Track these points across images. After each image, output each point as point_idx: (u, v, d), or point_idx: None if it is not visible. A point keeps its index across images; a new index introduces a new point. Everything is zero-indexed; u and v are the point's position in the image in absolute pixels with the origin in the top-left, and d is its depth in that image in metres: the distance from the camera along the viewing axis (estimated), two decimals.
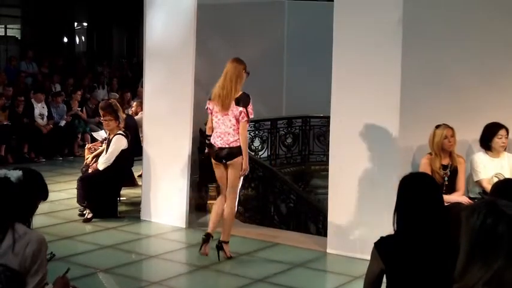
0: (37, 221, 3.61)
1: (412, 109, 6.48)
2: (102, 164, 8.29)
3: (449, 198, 6.19)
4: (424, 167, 6.35)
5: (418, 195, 3.25)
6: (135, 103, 11.69)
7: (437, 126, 6.37)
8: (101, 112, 8.72)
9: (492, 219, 2.14)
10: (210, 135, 6.72)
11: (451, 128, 6.37)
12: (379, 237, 3.33)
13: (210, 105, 6.71)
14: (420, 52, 6.51)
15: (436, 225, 3.21)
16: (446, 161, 6.46)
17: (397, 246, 3.24)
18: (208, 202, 8.76)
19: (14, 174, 3.36)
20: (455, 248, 2.33)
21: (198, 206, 8.78)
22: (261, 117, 10.92)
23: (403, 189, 3.30)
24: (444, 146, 6.37)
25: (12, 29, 21.84)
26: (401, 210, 3.27)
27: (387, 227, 3.41)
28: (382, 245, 3.27)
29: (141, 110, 9.93)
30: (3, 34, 21.42)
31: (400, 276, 3.20)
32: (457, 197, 6.37)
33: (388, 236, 3.30)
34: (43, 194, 3.57)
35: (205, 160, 7.29)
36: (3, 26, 21.28)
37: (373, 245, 3.31)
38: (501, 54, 7.11)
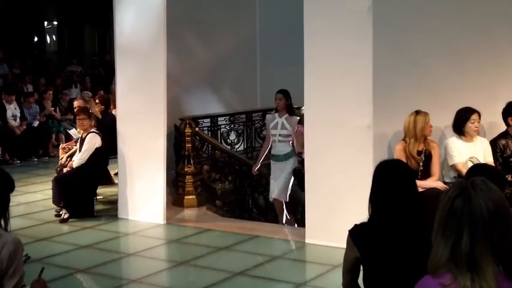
0: (13, 223, 3.55)
1: (384, 96, 6.50)
2: (76, 162, 8.25)
3: (424, 184, 6.24)
4: (399, 153, 6.39)
5: (392, 182, 3.26)
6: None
7: (417, 112, 6.40)
8: (76, 111, 8.68)
9: (460, 199, 2.16)
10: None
11: (428, 114, 6.42)
12: (353, 225, 3.34)
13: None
14: (391, 39, 6.54)
15: (410, 212, 3.23)
16: (421, 147, 6.50)
17: (371, 234, 3.25)
18: (185, 197, 8.74)
19: None
20: (431, 233, 2.35)
21: (174, 201, 8.76)
22: (236, 111, 10.92)
23: (377, 176, 3.31)
24: (425, 131, 6.42)
25: None
26: (375, 198, 3.28)
27: (364, 215, 3.43)
28: (356, 233, 3.28)
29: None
30: None
31: (375, 263, 3.21)
32: (433, 182, 6.41)
33: (362, 224, 3.31)
34: (11, 186, 3.49)
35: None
36: None
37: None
38: (472, 39, 7.17)
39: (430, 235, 2.25)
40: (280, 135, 8.07)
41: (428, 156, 6.54)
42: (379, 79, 6.41)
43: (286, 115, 8.10)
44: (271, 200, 8.33)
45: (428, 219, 3.14)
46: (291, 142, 8.13)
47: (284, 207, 8.21)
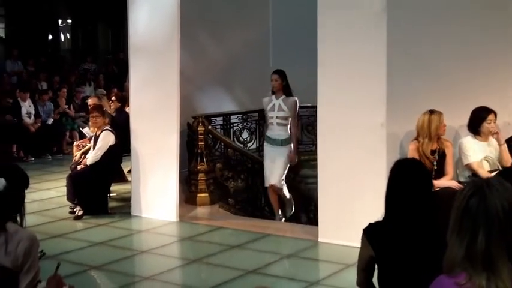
0: (27, 220, 3.58)
1: (398, 96, 6.50)
2: (90, 159, 8.30)
3: (439, 183, 6.23)
4: (413, 153, 6.38)
5: (408, 181, 3.25)
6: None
7: (432, 112, 6.39)
8: (89, 109, 8.74)
9: (475, 198, 2.16)
10: None
11: (442, 114, 6.42)
12: (367, 224, 3.34)
13: None
14: (405, 39, 6.53)
15: (425, 211, 3.22)
16: (434, 146, 6.49)
17: (386, 233, 3.25)
18: (198, 195, 8.76)
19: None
20: (445, 232, 2.35)
21: (187, 199, 8.78)
22: (248, 109, 10.92)
23: (393, 175, 3.31)
24: (439, 131, 6.41)
25: None
26: (390, 197, 3.28)
27: (377, 214, 3.43)
28: (371, 232, 3.28)
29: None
30: None
31: (390, 262, 3.21)
32: (447, 181, 6.40)
33: (377, 222, 3.31)
34: (26, 183, 3.52)
35: None
36: None
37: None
38: (486, 39, 7.15)
39: (445, 234, 2.25)
40: (277, 117, 7.95)
41: (442, 156, 6.53)
42: (392, 80, 6.41)
43: (283, 96, 7.98)
44: (267, 185, 8.23)
45: (443, 219, 3.15)
46: (289, 126, 8.00)
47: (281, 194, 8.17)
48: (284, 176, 8.08)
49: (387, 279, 3.24)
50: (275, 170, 8.00)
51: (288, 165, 8.05)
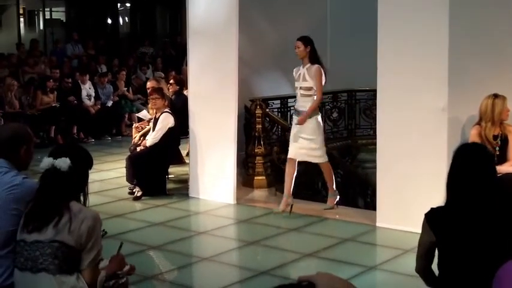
0: (92, 199, 3.66)
1: (460, 80, 6.37)
2: (150, 141, 8.41)
3: (500, 169, 6.08)
4: (475, 137, 6.25)
5: (472, 165, 3.19)
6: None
7: (495, 96, 6.25)
8: (149, 91, 8.84)
9: None
10: None
11: (506, 98, 6.27)
12: (429, 209, 3.28)
13: None
14: (468, 22, 6.39)
15: (489, 196, 3.16)
16: (497, 131, 6.35)
17: (448, 218, 3.19)
18: (255, 178, 8.79)
19: (63, 164, 3.37)
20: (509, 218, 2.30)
21: (244, 182, 8.82)
22: None
23: (456, 159, 3.25)
24: (502, 116, 6.27)
25: (57, 12, 22.10)
26: (454, 181, 3.21)
27: (436, 199, 3.37)
28: (432, 217, 3.23)
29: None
30: (49, 17, 21.71)
31: (451, 247, 3.16)
32: (509, 167, 6.26)
33: (439, 207, 3.25)
34: (90, 163, 3.60)
35: None
36: (48, 9, 21.56)
37: (423, 216, 3.27)
38: None
39: (509, 220, 2.20)
40: (301, 88, 7.29)
41: (504, 141, 6.38)
42: (454, 62, 6.28)
43: (309, 65, 7.24)
44: (299, 159, 7.51)
45: (506, 204, 3.08)
46: (314, 97, 7.25)
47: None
48: (321, 149, 7.42)
49: (448, 265, 3.19)
50: (306, 145, 7.37)
51: (318, 138, 7.34)
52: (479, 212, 3.13)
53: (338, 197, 7.63)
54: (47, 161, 3.41)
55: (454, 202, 3.20)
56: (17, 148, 3.64)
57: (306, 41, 7.30)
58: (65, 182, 3.37)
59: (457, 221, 3.16)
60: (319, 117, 7.45)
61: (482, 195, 3.14)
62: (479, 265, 2.99)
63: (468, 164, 3.21)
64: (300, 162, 9.16)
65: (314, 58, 7.24)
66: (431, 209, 3.28)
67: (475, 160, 3.22)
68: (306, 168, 8.98)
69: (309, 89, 7.24)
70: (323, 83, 7.27)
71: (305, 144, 7.36)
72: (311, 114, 7.25)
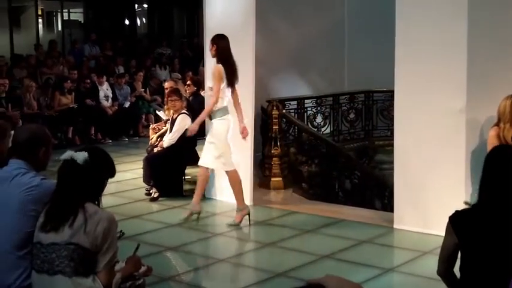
0: (105, 201, 3.66)
1: (479, 81, 6.32)
2: (167, 142, 8.42)
3: None
4: (493, 139, 6.19)
5: (506, 168, 3.14)
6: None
7: None
8: (167, 92, 8.86)
9: None
10: None
11: None
12: (453, 211, 3.23)
13: None
14: (487, 23, 6.33)
15: None
16: None
17: (474, 220, 3.14)
18: (271, 179, 8.77)
19: (80, 157, 3.39)
20: None
21: (261, 183, 8.80)
22: (322, 93, 10.85)
23: (490, 162, 3.20)
24: None
25: (75, 13, 22.24)
26: (486, 184, 3.16)
27: (453, 202, 3.35)
28: (457, 219, 3.18)
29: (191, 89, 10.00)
30: (67, 18, 21.85)
31: (475, 250, 3.11)
32: None
33: (464, 210, 3.21)
34: (110, 172, 3.59)
35: None
36: (66, 10, 21.69)
37: (443, 220, 3.23)
38: None
39: None
40: (209, 87, 7.22)
41: None
42: (473, 63, 6.23)
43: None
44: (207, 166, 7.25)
45: None
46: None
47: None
48: (212, 155, 7.08)
49: (471, 269, 3.14)
50: (207, 149, 7.13)
51: (219, 144, 7.03)
52: (508, 216, 3.08)
53: (248, 211, 7.19)
54: (67, 153, 3.44)
55: (486, 205, 3.14)
56: (36, 150, 3.66)
57: (213, 40, 7.09)
58: (81, 175, 3.37)
59: (482, 223, 3.12)
60: (225, 121, 7.07)
61: None
62: (503, 269, 2.95)
63: (503, 167, 3.15)
64: (317, 163, 9.15)
65: (219, 58, 6.99)
66: (456, 211, 3.24)
67: (508, 163, 3.16)
68: (321, 170, 8.97)
69: (211, 89, 7.07)
70: (223, 84, 6.92)
71: (206, 148, 7.16)
72: (214, 115, 7.03)
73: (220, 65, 6.95)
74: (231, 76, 7.00)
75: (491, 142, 6.11)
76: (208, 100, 7.22)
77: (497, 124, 6.30)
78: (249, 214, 7.15)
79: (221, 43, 7.01)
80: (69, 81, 12.94)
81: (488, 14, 6.35)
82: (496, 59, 6.42)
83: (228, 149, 7.11)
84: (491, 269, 3.07)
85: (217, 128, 7.05)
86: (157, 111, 11.61)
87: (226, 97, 7.05)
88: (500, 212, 3.10)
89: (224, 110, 7.06)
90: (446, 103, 6.37)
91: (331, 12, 11.10)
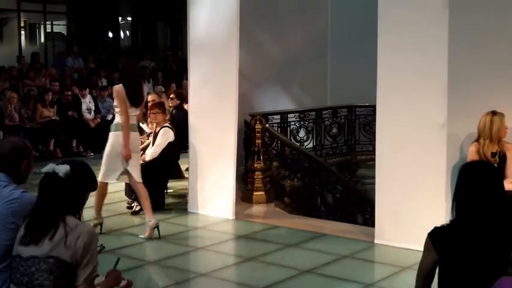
0: (86, 214, 3.65)
1: (459, 96, 6.36)
2: (149, 155, 8.40)
3: None
4: (473, 154, 6.25)
5: (482, 184, 3.15)
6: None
7: (494, 113, 6.25)
8: (149, 105, 8.85)
9: None
10: None
11: (504, 115, 6.27)
12: (432, 228, 3.24)
13: None
14: (468, 36, 6.38)
15: (497, 215, 3.12)
16: (495, 148, 6.36)
17: (453, 237, 3.14)
18: (254, 193, 8.77)
19: (62, 169, 3.38)
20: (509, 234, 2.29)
21: (243, 197, 8.80)
22: (305, 108, 10.90)
23: (465, 178, 3.21)
24: (500, 133, 6.26)
25: (59, 25, 22.18)
26: (462, 200, 3.17)
27: (435, 216, 3.36)
28: (436, 236, 3.19)
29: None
30: (50, 30, 21.78)
31: (455, 267, 3.12)
32: (507, 184, 6.23)
33: (443, 226, 3.21)
34: (92, 185, 3.59)
35: None
36: (49, 22, 21.63)
37: (423, 235, 3.24)
38: None
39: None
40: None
41: (502, 158, 6.39)
42: (454, 78, 6.28)
43: None
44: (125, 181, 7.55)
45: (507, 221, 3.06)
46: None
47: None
48: (103, 167, 7.17)
49: (450, 285, 3.15)
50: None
51: (110, 157, 7.14)
52: (489, 231, 3.09)
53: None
54: (48, 166, 3.42)
55: (464, 221, 3.14)
56: (18, 163, 3.65)
57: (121, 61, 7.21)
58: (62, 189, 3.36)
59: (463, 239, 3.12)
60: (119, 137, 7.11)
61: (492, 214, 3.10)
62: (481, 286, 2.96)
63: (478, 183, 3.16)
64: (300, 178, 9.18)
65: (120, 78, 7.21)
66: (435, 227, 3.24)
67: (485, 178, 3.18)
68: (304, 184, 8.99)
69: (116, 106, 7.25)
70: (126, 104, 7.04)
71: (103, 161, 7.23)
72: (112, 128, 7.24)
73: (119, 86, 7.17)
74: (132, 96, 7.10)
75: (471, 157, 6.17)
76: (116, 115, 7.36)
77: (477, 140, 6.37)
78: (101, 224, 7.18)
79: (123, 64, 7.22)
80: (50, 93, 12.89)
81: (470, 28, 6.38)
82: (478, 74, 6.47)
83: (110, 163, 7.10)
84: (469, 286, 3.08)
85: (112, 141, 7.17)
86: (141, 124, 11.57)
87: (130, 114, 7.11)
88: (479, 229, 3.12)
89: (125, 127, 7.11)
90: (428, 118, 6.41)
91: (315, 27, 11.16)
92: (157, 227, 7.11)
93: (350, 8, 11.04)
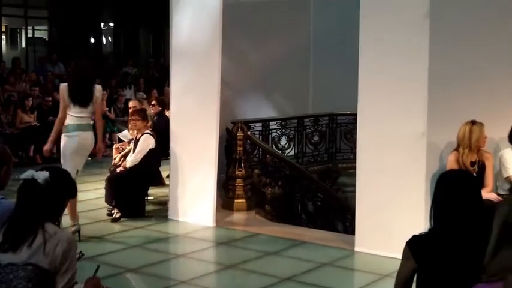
0: (65, 220, 3.63)
1: (439, 105, 6.42)
2: (130, 162, 8.38)
3: None
4: (452, 163, 6.31)
5: (460, 193, 3.17)
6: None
7: (473, 122, 6.31)
8: (130, 112, 8.83)
9: None
10: None
11: (483, 125, 6.33)
12: (411, 236, 3.25)
13: None
14: (448, 48, 6.45)
15: (475, 224, 3.14)
16: (474, 158, 6.42)
17: (432, 245, 3.16)
18: (235, 201, 8.77)
19: (41, 176, 3.36)
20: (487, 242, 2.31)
21: (224, 204, 8.79)
22: (287, 116, 10.92)
23: (443, 186, 3.23)
24: (479, 142, 6.32)
25: (40, 30, 22.09)
26: (441, 209, 3.19)
27: (414, 225, 3.38)
28: (415, 244, 3.20)
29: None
30: (31, 35, 21.68)
31: (432, 275, 3.14)
32: (486, 193, 6.30)
33: (422, 235, 3.23)
34: (71, 192, 3.58)
35: None
36: (31, 27, 21.54)
37: (403, 243, 3.25)
38: None
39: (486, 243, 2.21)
40: None
41: (481, 167, 6.45)
42: (434, 87, 6.33)
43: None
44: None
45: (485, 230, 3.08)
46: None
47: None
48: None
49: None
50: None
51: (63, 159, 7.26)
52: (467, 240, 3.12)
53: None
54: (28, 172, 3.40)
55: (441, 229, 3.16)
56: None
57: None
58: (41, 195, 3.34)
59: (441, 248, 3.14)
60: (68, 138, 7.20)
61: (469, 223, 3.13)
62: None
63: (456, 192, 3.18)
64: (281, 186, 9.19)
65: (67, 77, 7.30)
66: (414, 236, 3.25)
67: (463, 187, 3.20)
68: (285, 192, 9.00)
69: None
70: (64, 102, 7.19)
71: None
72: (63, 131, 7.26)
73: (63, 84, 7.35)
74: (74, 95, 7.16)
75: (451, 166, 6.22)
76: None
77: (456, 149, 6.42)
78: (79, 231, 7.12)
79: (73, 64, 7.45)
80: (30, 98, 12.81)
81: (450, 38, 6.44)
82: (458, 83, 6.53)
83: (70, 165, 6.94)
84: None
85: (62, 144, 7.22)
86: (118, 134, 11.51)
87: (73, 115, 7.17)
88: (457, 237, 3.14)
89: (70, 127, 7.20)
90: (408, 127, 6.45)
91: (297, 35, 11.20)
92: (79, 231, 7.09)
93: (332, 17, 11.10)
